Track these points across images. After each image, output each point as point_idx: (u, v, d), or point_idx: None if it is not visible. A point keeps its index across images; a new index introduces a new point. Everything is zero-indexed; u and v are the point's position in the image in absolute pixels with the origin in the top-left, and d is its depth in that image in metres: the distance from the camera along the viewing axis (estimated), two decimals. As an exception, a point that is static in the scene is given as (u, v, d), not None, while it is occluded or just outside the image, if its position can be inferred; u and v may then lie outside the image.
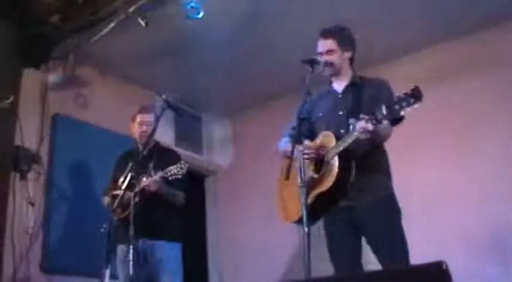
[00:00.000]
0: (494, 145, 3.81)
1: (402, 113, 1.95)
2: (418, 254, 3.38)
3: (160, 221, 3.05)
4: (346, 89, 2.53)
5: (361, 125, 2.11)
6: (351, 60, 2.58)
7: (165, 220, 3.07)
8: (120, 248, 3.04)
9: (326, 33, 2.53)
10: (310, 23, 3.24)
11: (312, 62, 2.37)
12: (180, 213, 3.17)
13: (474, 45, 4.08)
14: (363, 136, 2.13)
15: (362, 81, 2.54)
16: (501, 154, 3.76)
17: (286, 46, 4.08)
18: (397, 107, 1.96)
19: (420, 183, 3.90)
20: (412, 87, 1.93)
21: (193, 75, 4.55)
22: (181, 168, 2.81)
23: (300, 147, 2.19)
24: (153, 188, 2.90)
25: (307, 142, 2.32)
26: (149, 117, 3.24)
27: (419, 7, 3.83)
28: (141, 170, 2.98)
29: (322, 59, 2.46)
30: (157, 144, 3.31)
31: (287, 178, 2.23)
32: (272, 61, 4.35)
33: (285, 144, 2.56)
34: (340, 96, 2.53)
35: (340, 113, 2.46)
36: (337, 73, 2.54)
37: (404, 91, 1.95)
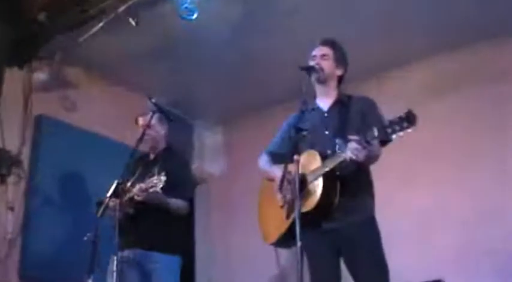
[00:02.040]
0: (491, 162, 3.84)
1: (394, 136, 1.97)
2: (414, 273, 3.41)
3: (154, 231, 3.01)
4: (332, 107, 2.53)
5: (353, 147, 2.12)
6: (340, 80, 2.59)
7: (161, 230, 3.02)
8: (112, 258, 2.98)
9: (326, 42, 2.59)
10: (310, 28, 3.32)
11: (311, 70, 2.42)
12: (178, 225, 3.13)
13: (469, 58, 4.07)
14: (354, 158, 2.13)
15: (349, 99, 2.54)
16: (498, 171, 3.79)
17: (284, 52, 4.06)
18: (389, 130, 1.98)
19: (416, 202, 3.94)
20: (406, 111, 1.95)
21: (186, 79, 4.54)
22: (159, 180, 2.77)
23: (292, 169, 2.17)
24: (139, 197, 2.86)
25: (291, 166, 2.24)
26: (142, 121, 3.22)
27: (412, 20, 3.86)
28: (144, 176, 2.94)
29: (314, 61, 2.49)
30: (167, 148, 3.28)
31: (280, 188, 2.27)
32: (268, 67, 4.34)
33: (266, 164, 2.59)
34: (326, 114, 2.52)
35: (326, 132, 2.45)
36: (323, 81, 2.53)
37: (398, 115, 1.97)
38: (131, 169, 3.10)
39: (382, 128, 2.01)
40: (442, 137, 4.01)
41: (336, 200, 2.25)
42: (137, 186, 2.86)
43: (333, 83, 2.57)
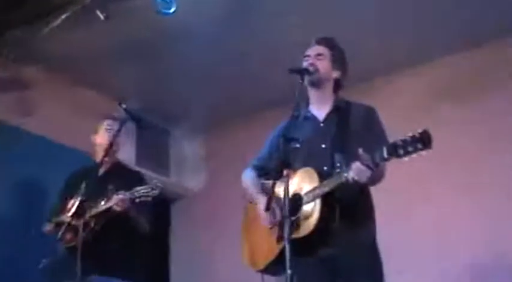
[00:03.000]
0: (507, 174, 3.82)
1: (406, 158, 1.92)
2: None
3: (118, 253, 2.97)
4: (330, 116, 2.47)
5: (358, 167, 2.07)
6: (337, 84, 2.52)
7: (124, 253, 3.00)
8: None
9: (322, 40, 2.53)
10: (302, 28, 3.33)
11: (303, 71, 2.35)
12: (143, 245, 3.12)
13: (487, 58, 4.02)
14: (357, 179, 2.10)
15: (348, 106, 2.49)
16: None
17: (274, 52, 4.03)
18: (401, 151, 1.93)
19: (430, 217, 3.94)
20: (421, 131, 1.90)
21: (162, 81, 4.49)
22: (152, 189, 2.77)
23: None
24: (120, 208, 2.81)
25: (280, 185, 2.22)
26: (116, 126, 3.15)
27: (421, 15, 3.83)
28: (97, 192, 2.89)
29: (308, 61, 2.44)
30: (118, 163, 3.25)
31: (267, 209, 2.20)
32: (257, 69, 4.31)
33: (250, 181, 2.56)
34: (322, 124, 2.46)
35: (323, 145, 2.39)
36: (318, 84, 2.47)
37: (411, 133, 1.91)
38: (74, 184, 3.06)
39: (394, 148, 1.97)
40: (457, 147, 3.94)
41: (335, 224, 2.22)
42: (117, 196, 2.81)
43: (329, 87, 2.50)
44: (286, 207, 2.07)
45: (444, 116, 3.88)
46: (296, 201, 2.26)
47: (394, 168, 2.25)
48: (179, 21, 3.64)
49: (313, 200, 2.24)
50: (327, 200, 2.21)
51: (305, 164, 2.34)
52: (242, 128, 4.97)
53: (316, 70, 2.43)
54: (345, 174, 2.12)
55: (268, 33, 3.96)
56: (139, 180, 3.08)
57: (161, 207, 4.98)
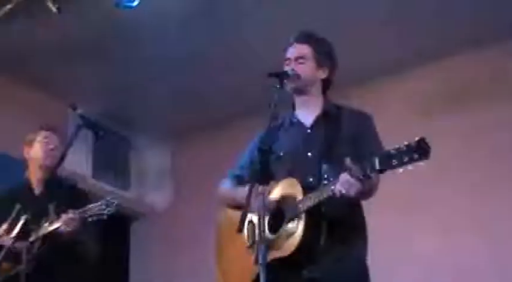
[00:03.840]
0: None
1: (400, 170, 1.88)
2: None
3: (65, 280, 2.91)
4: (318, 122, 2.42)
5: (346, 179, 2.04)
6: (325, 84, 2.47)
7: (72, 279, 2.94)
8: None
9: (302, 37, 2.46)
10: (279, 27, 3.25)
11: (283, 76, 2.29)
12: (96, 272, 3.10)
13: (497, 60, 3.99)
14: (344, 193, 2.06)
15: (339, 111, 2.44)
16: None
17: (250, 53, 3.99)
18: (394, 162, 1.90)
19: (420, 245, 3.94)
20: (417, 139, 1.86)
21: (122, 84, 4.39)
22: (107, 206, 2.72)
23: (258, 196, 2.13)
24: (70, 228, 2.73)
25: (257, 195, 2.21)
26: (55, 139, 3.10)
27: (430, 11, 3.82)
28: (37, 214, 2.83)
29: (289, 66, 2.39)
30: (57, 178, 3.12)
31: (239, 230, 2.18)
32: (230, 72, 4.23)
33: (229, 189, 2.51)
34: (309, 131, 2.41)
35: (309, 154, 2.34)
36: (302, 92, 2.42)
37: (407, 142, 1.87)
38: (4, 205, 2.96)
39: (387, 158, 1.93)
40: (459, 160, 3.89)
41: (321, 242, 2.18)
42: (66, 215, 2.75)
43: (316, 90, 2.45)
44: (262, 228, 2.05)
45: (445, 126, 3.83)
46: (278, 216, 2.21)
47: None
48: (142, 16, 3.60)
49: (297, 215, 2.19)
50: (312, 215, 2.16)
51: (290, 175, 2.29)
52: (213, 138, 4.88)
53: (298, 76, 2.37)
54: (332, 187, 2.07)
55: (241, 31, 3.91)
56: (86, 200, 2.98)
57: (119, 226, 4.87)
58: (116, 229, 4.68)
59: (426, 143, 1.86)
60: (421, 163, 1.85)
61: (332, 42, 2.48)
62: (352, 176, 2.01)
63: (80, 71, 4.24)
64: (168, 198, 5.12)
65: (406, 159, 1.88)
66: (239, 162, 2.57)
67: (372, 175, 2.02)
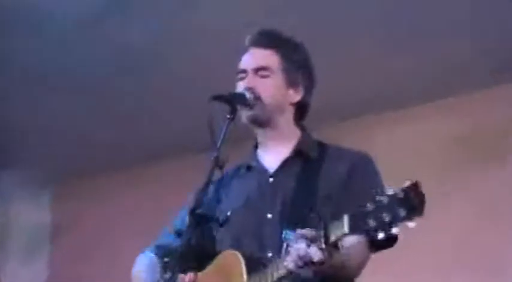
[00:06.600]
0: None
1: (381, 235, 1.52)
2: None
3: None
4: (285, 166, 2.08)
5: (297, 253, 1.73)
6: (300, 110, 2.11)
7: None
8: None
9: (262, 39, 2.07)
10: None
11: (235, 101, 1.96)
12: None
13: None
14: (300, 271, 1.75)
15: (321, 150, 2.11)
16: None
17: (184, 59, 3.50)
18: (372, 222, 1.55)
19: None
20: (407, 185, 1.51)
21: None
22: None
23: None
24: None
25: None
26: None
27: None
28: None
29: (244, 82, 2.02)
30: None
31: None
32: (147, 91, 3.77)
33: (145, 267, 2.15)
34: (272, 179, 2.07)
35: (269, 215, 2.02)
36: (264, 123, 2.06)
37: (392, 190, 1.53)
38: None
39: (360, 218, 1.58)
40: (472, 228, 3.62)
41: None
42: None
43: (287, 119, 2.09)
44: None
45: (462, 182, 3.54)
46: None
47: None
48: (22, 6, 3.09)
49: None
50: None
51: (236, 243, 1.99)
52: (109, 187, 4.33)
53: (258, 98, 1.99)
54: (285, 264, 1.78)
55: (172, 26, 3.34)
56: None
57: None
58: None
59: (420, 193, 1.51)
60: (411, 224, 1.50)
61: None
62: (309, 245, 1.71)
63: None
64: (43, 274, 4.32)
65: (388, 217, 1.54)
66: (169, 225, 2.21)
67: (344, 243, 1.75)
